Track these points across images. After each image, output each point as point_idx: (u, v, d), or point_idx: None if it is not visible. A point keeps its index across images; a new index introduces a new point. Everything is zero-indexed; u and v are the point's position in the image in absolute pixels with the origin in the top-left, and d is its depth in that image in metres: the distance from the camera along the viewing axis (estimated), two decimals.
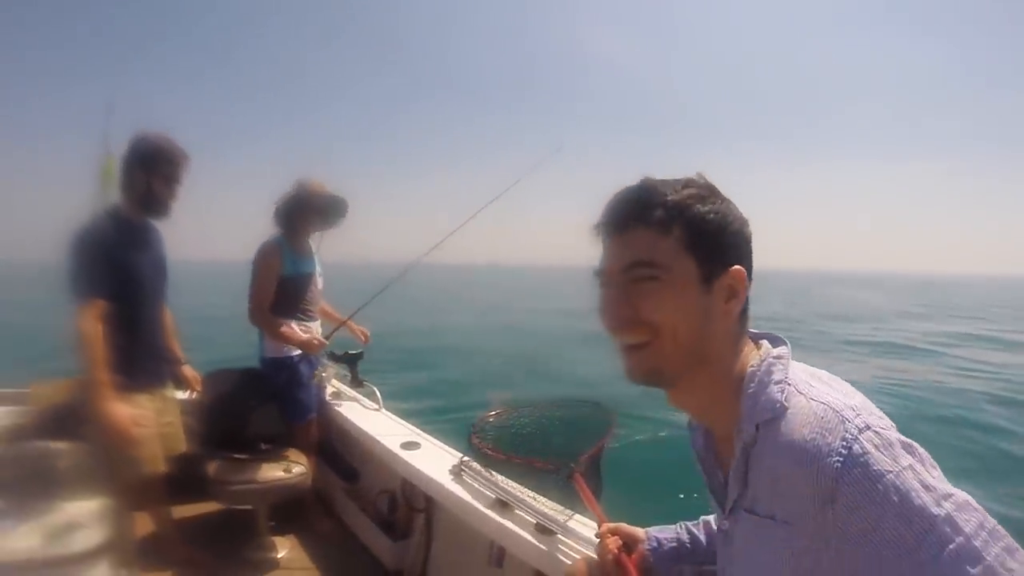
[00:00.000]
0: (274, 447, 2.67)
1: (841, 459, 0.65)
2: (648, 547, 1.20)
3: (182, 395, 2.65)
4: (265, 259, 2.77)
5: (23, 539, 1.48)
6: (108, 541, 1.57)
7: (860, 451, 0.66)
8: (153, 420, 2.25)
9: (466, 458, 2.09)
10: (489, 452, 1.80)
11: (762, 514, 0.75)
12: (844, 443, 0.66)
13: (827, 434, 0.68)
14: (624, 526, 1.25)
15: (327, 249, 3.00)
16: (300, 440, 2.80)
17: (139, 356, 2.22)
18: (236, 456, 2.52)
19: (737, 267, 0.78)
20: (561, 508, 1.71)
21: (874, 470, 0.64)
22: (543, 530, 1.67)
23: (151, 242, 2.31)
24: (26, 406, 2.22)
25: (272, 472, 2.47)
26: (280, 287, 2.78)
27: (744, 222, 0.81)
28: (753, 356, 0.82)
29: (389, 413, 2.96)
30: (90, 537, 1.55)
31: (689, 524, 1.24)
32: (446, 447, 2.40)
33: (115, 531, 1.61)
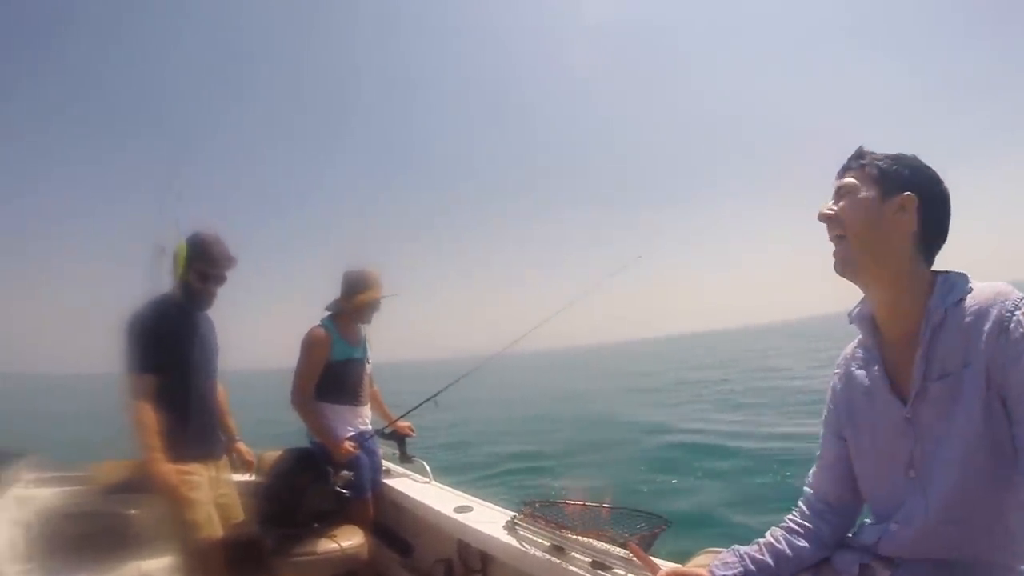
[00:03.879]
0: (327, 525, 2.65)
1: (1013, 306, 0.92)
2: None
3: (239, 477, 2.68)
4: (311, 344, 2.76)
5: None
6: None
7: None
8: (207, 487, 2.29)
9: (519, 514, 2.06)
10: (540, 523, 1.83)
11: (953, 371, 0.96)
12: (1015, 297, 0.93)
13: (1003, 294, 0.95)
14: (683, 568, 1.23)
15: (392, 346, 3.00)
16: (356, 517, 2.73)
17: (190, 428, 2.29)
18: (292, 532, 2.50)
19: (908, 193, 1.03)
20: (618, 549, 1.66)
21: None
22: (600, 566, 1.63)
23: (199, 325, 2.44)
24: (89, 485, 2.29)
25: (328, 544, 2.45)
26: (330, 372, 2.77)
27: (934, 181, 1.07)
28: (936, 278, 1.05)
29: (439, 484, 2.93)
30: None
31: (749, 550, 1.21)
32: (498, 508, 2.37)
33: None
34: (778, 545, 1.20)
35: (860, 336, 1.18)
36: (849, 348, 1.23)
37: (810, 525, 1.22)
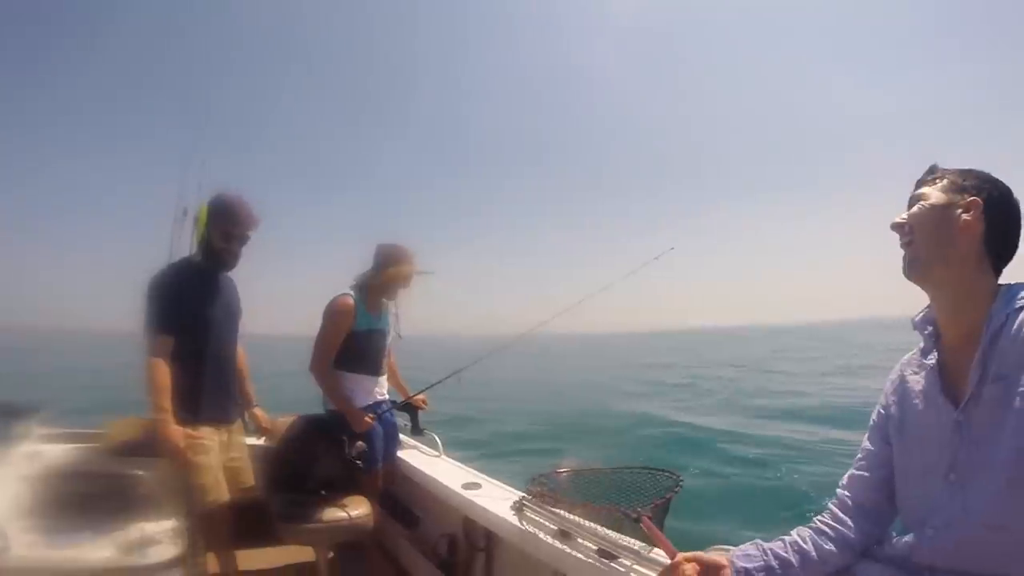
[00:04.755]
0: (336, 493, 2.65)
1: None
2: None
3: (253, 440, 2.69)
4: (336, 313, 2.72)
5: (100, 551, 1.50)
6: (180, 556, 1.58)
7: None
8: (216, 451, 2.29)
9: (527, 495, 2.03)
10: (548, 497, 1.78)
11: (1009, 374, 0.95)
12: None
13: None
14: (702, 555, 1.18)
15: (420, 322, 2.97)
16: (365, 488, 2.71)
17: (205, 391, 2.29)
18: (299, 498, 2.50)
19: (974, 198, 1.06)
20: (625, 537, 1.62)
21: None
22: (606, 555, 1.58)
23: (221, 289, 2.43)
24: (102, 443, 2.30)
25: (335, 513, 2.43)
26: (353, 341, 2.73)
27: (1002, 190, 1.08)
28: (1000, 288, 1.06)
29: (449, 459, 2.91)
30: (163, 552, 1.56)
31: (773, 546, 1.17)
32: (507, 487, 2.34)
33: (186, 548, 1.62)
34: (804, 545, 1.16)
35: (920, 344, 1.18)
36: (908, 355, 1.21)
37: (840, 528, 1.18)
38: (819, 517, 1.23)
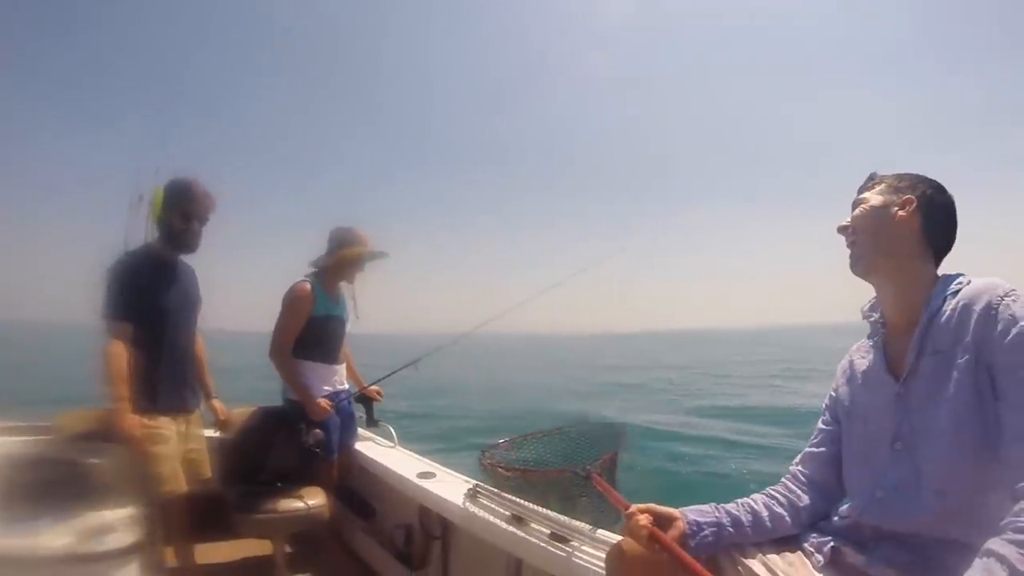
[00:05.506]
0: (290, 483, 2.64)
1: (1003, 293, 1.00)
2: (688, 530, 1.17)
3: (210, 432, 2.66)
4: (295, 299, 2.69)
5: (58, 537, 1.49)
6: (137, 543, 1.58)
7: (1016, 294, 1.00)
8: (175, 441, 2.26)
9: (481, 483, 2.08)
10: (501, 470, 1.79)
11: (945, 348, 1.03)
12: (1006, 287, 1.01)
13: (995, 284, 1.02)
14: (655, 506, 1.22)
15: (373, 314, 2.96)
16: (321, 479, 2.70)
17: (163, 381, 2.26)
18: (255, 489, 2.49)
19: (909, 196, 1.16)
20: (577, 522, 1.69)
21: (1021, 303, 0.98)
22: (558, 538, 1.65)
23: (180, 277, 2.39)
24: (56, 434, 2.25)
25: (290, 503, 2.43)
26: (311, 327, 2.71)
27: (935, 187, 1.18)
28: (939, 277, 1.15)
29: (404, 449, 2.94)
30: (121, 539, 1.55)
31: (728, 507, 1.23)
32: (461, 476, 2.39)
33: (144, 536, 1.62)
34: (756, 506, 1.22)
35: (868, 332, 1.26)
36: (857, 343, 1.30)
37: (792, 497, 1.25)
38: (773, 488, 1.29)
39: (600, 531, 1.61)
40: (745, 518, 1.20)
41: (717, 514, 1.21)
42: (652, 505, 1.22)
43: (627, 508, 1.24)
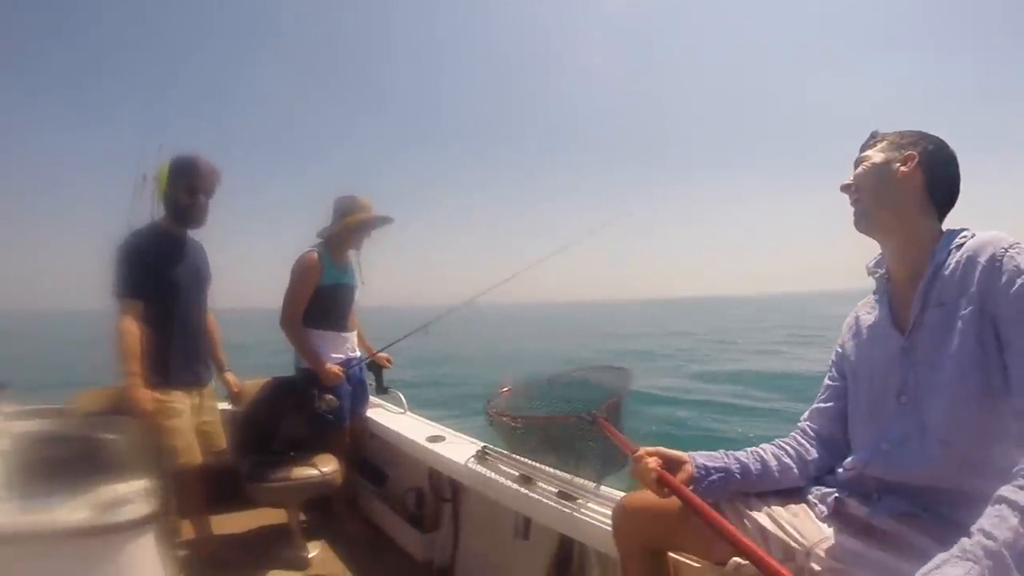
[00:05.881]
0: (303, 452, 2.67)
1: (1007, 245, 0.99)
2: (696, 473, 1.17)
3: (224, 405, 2.69)
4: (303, 268, 2.71)
5: (73, 512, 1.51)
6: (153, 513, 1.60)
7: (1020, 247, 0.99)
8: (188, 414, 2.29)
9: (488, 445, 2.10)
10: (507, 419, 1.77)
11: (949, 300, 1.03)
12: (1010, 240, 1.00)
13: (999, 237, 1.01)
14: (664, 449, 1.21)
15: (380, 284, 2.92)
16: (333, 446, 2.73)
17: (175, 355, 2.28)
18: (268, 459, 2.53)
19: (911, 152, 1.15)
20: (583, 480, 1.71)
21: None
22: (566, 496, 1.67)
23: (189, 253, 2.39)
24: (67, 415, 2.27)
25: (303, 471, 2.47)
26: (320, 296, 2.73)
27: (936, 142, 1.17)
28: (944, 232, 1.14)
29: (414, 415, 2.97)
30: (137, 510, 1.58)
31: (738, 454, 1.22)
32: (470, 438, 2.41)
33: (159, 507, 1.64)
34: (765, 455, 1.22)
35: (874, 288, 1.25)
36: (862, 300, 1.29)
37: (800, 450, 1.25)
38: (782, 440, 1.29)
39: (605, 488, 1.63)
40: (754, 466, 1.20)
41: (726, 460, 1.20)
42: (660, 448, 1.21)
43: (635, 451, 1.23)
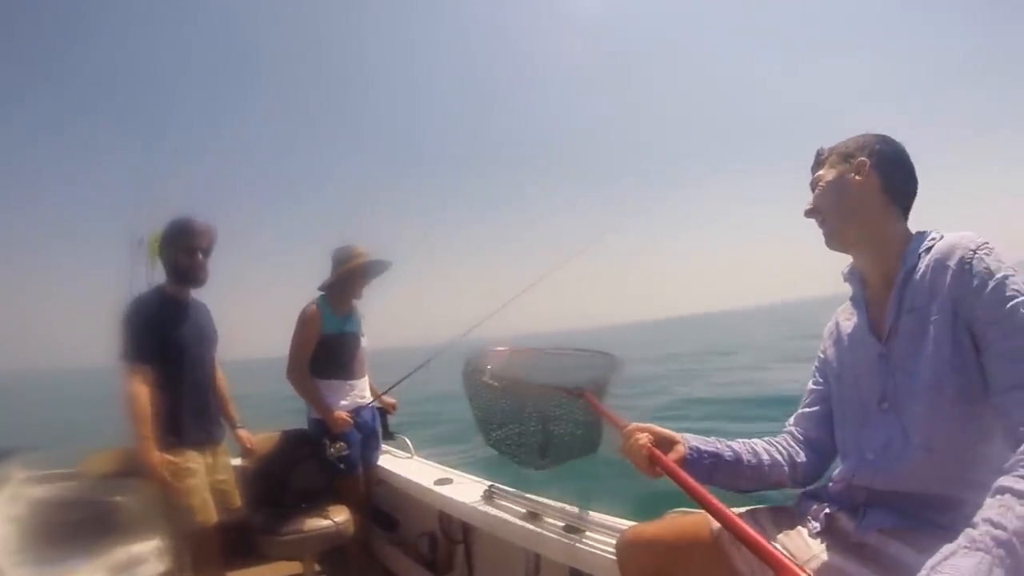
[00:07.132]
0: (315, 503, 2.67)
1: (975, 247, 0.99)
2: (688, 455, 1.15)
3: (237, 462, 2.69)
4: (304, 320, 2.78)
5: (91, 574, 1.53)
6: (167, 572, 1.61)
7: (988, 247, 0.99)
8: (203, 473, 2.29)
9: (495, 483, 2.12)
10: (488, 380, 1.72)
11: (921, 305, 1.03)
12: (978, 241, 1.00)
13: (967, 238, 1.01)
14: (655, 427, 1.19)
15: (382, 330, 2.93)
16: (345, 494, 2.72)
17: (187, 416, 2.29)
18: (281, 512, 2.53)
19: (861, 159, 1.15)
20: (587, 512, 1.74)
21: (994, 255, 0.98)
22: (572, 529, 1.69)
23: (193, 314, 2.43)
24: (81, 480, 2.28)
25: (316, 522, 2.47)
26: (323, 346, 2.77)
27: (883, 141, 1.17)
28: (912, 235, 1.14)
29: (420, 459, 2.98)
30: (151, 569, 1.59)
31: (730, 442, 1.22)
32: (476, 478, 2.43)
33: (174, 565, 1.66)
34: (757, 448, 1.22)
35: (851, 294, 1.26)
36: (841, 306, 1.30)
37: (792, 452, 1.25)
38: (774, 438, 1.29)
39: (610, 518, 1.64)
40: (746, 457, 1.19)
41: (719, 445, 1.20)
42: (652, 425, 1.19)
43: (625, 427, 1.20)
